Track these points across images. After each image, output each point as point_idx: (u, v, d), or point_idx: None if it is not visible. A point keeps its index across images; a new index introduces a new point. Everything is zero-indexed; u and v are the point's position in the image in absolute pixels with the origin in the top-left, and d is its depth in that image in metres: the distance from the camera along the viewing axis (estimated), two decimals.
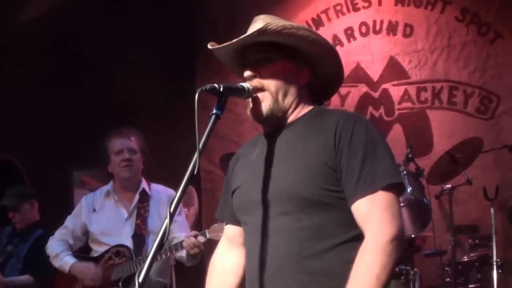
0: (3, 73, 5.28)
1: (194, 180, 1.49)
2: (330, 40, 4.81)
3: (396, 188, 1.55)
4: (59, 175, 5.57)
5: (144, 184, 3.28)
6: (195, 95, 1.52)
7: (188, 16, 5.19)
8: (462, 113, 4.53)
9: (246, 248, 1.72)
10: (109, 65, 4.97)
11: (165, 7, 5.13)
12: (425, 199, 3.54)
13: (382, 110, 4.71)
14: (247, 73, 1.68)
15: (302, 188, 1.57)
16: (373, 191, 1.52)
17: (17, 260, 4.04)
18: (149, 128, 4.69)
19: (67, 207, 4.04)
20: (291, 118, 1.71)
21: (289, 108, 1.70)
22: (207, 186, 5.14)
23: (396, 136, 4.60)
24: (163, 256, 3.01)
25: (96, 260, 3.20)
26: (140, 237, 3.15)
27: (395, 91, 4.69)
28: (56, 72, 5.37)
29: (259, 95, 1.67)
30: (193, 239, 2.87)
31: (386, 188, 1.52)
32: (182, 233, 3.02)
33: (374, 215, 1.50)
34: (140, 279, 1.36)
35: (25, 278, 3.92)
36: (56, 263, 3.25)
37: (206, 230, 2.91)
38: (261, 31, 1.62)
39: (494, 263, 3.60)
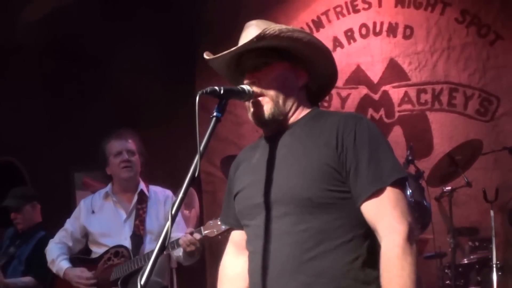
0: (5, 75, 5.28)
1: (195, 182, 1.50)
2: (330, 42, 4.86)
3: (402, 183, 1.58)
4: (61, 177, 5.58)
5: (142, 185, 3.31)
6: (195, 97, 1.53)
7: (188, 18, 5.20)
8: (462, 115, 4.53)
9: (249, 251, 1.73)
10: (110, 67, 4.98)
11: (165, 10, 5.14)
12: (425, 201, 3.54)
13: (382, 112, 4.71)
14: (246, 82, 1.69)
15: (304, 189, 1.58)
16: (380, 189, 1.54)
17: (19, 262, 4.05)
18: (151, 130, 4.70)
19: (69, 209, 4.03)
20: (291, 121, 1.72)
21: (289, 111, 1.71)
22: (208, 188, 5.15)
23: (396, 138, 4.61)
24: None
25: (96, 261, 3.22)
26: (138, 237, 3.17)
27: (395, 93, 4.69)
28: (58, 74, 5.37)
29: (260, 99, 1.68)
30: (189, 236, 2.88)
31: (393, 185, 1.55)
32: (179, 233, 3.04)
33: (385, 215, 1.53)
34: (143, 281, 1.36)
35: (27, 279, 3.93)
36: (53, 269, 3.29)
37: (202, 227, 2.92)
38: (260, 37, 1.63)
39: (494, 265, 3.60)
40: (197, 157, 1.48)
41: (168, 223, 1.38)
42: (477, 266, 3.88)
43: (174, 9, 5.14)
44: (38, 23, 5.07)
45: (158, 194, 3.31)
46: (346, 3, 4.87)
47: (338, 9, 4.90)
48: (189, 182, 1.46)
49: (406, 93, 4.67)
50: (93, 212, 3.30)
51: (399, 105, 4.68)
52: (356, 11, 4.85)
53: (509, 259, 4.02)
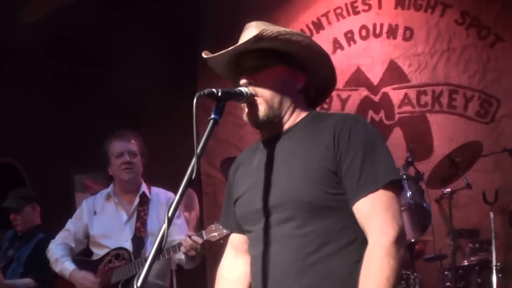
0: (5, 75, 5.29)
1: (195, 183, 1.51)
2: (330, 44, 4.86)
3: (395, 186, 1.57)
4: (61, 179, 5.58)
5: (144, 187, 3.30)
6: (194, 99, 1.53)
7: (190, 18, 5.20)
8: (462, 117, 4.53)
9: (251, 255, 1.73)
10: (110, 68, 4.98)
11: (166, 11, 5.15)
12: (424, 203, 3.54)
13: (382, 114, 4.71)
14: (243, 81, 1.69)
15: (305, 193, 1.58)
16: (374, 190, 1.54)
17: (18, 264, 4.05)
18: (152, 130, 4.70)
19: (69, 211, 4.03)
20: (288, 124, 1.71)
21: (285, 114, 1.70)
22: (208, 190, 5.15)
23: (396, 140, 4.61)
24: (161, 258, 3.03)
25: (97, 263, 3.21)
26: (139, 239, 3.16)
27: (395, 95, 4.69)
28: (58, 74, 5.39)
29: (255, 99, 1.68)
30: (190, 241, 2.88)
31: (386, 187, 1.54)
32: (181, 236, 3.03)
33: (375, 216, 1.52)
34: (139, 283, 1.37)
35: (27, 281, 3.93)
36: (56, 268, 3.27)
37: (203, 231, 2.92)
38: (257, 37, 1.63)
39: (494, 267, 3.59)
40: (194, 160, 1.48)
41: (165, 225, 1.38)
42: (477, 268, 3.87)
43: (174, 9, 5.14)
44: (37, 23, 5.08)
45: (160, 196, 3.31)
46: (346, 4, 4.87)
47: (338, 11, 4.90)
48: (186, 184, 1.46)
49: (406, 95, 4.67)
50: (95, 213, 3.29)
51: (399, 106, 4.68)
52: (356, 12, 4.85)
53: (509, 261, 4.01)
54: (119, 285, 3.09)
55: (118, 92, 4.92)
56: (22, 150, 5.50)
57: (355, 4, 4.84)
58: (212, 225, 2.91)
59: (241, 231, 1.81)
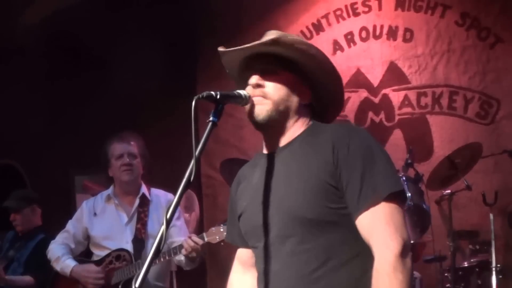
0: (6, 76, 5.30)
1: (195, 185, 1.52)
2: (330, 45, 4.86)
3: (397, 197, 1.55)
4: (61, 180, 5.59)
5: (144, 189, 3.31)
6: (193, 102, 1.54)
7: (190, 19, 5.21)
8: (462, 118, 4.52)
9: (257, 272, 1.72)
10: (111, 69, 4.99)
11: (166, 11, 5.15)
12: (424, 205, 3.54)
13: (382, 115, 4.71)
14: (253, 79, 1.68)
15: (305, 209, 1.57)
16: (374, 203, 1.52)
17: (19, 264, 4.06)
18: (152, 131, 4.71)
19: (69, 212, 4.04)
20: (289, 136, 1.70)
21: (287, 122, 1.69)
22: (208, 192, 5.15)
23: (396, 142, 4.61)
24: (162, 260, 3.04)
25: (97, 263, 3.22)
26: (140, 241, 3.18)
27: (395, 96, 4.69)
28: (59, 75, 5.39)
29: (260, 99, 1.67)
30: (191, 242, 2.89)
31: (387, 199, 1.52)
32: (181, 237, 3.05)
33: (378, 230, 1.51)
34: (137, 284, 1.37)
35: (27, 278, 3.95)
36: (57, 267, 3.28)
37: (204, 234, 2.94)
38: (275, 40, 1.63)
39: (494, 268, 3.59)
40: (192, 162, 1.49)
41: (163, 227, 1.39)
42: (477, 270, 3.87)
43: (175, 10, 5.15)
44: (37, 23, 5.09)
45: (160, 197, 3.32)
46: (346, 6, 4.87)
47: (338, 12, 4.90)
48: (184, 186, 1.46)
49: (406, 96, 4.67)
50: (95, 214, 3.30)
51: (399, 108, 4.68)
52: (356, 14, 4.85)
53: (509, 262, 4.01)
54: (120, 286, 3.10)
55: (118, 93, 4.93)
56: (22, 152, 5.52)
57: (355, 6, 4.84)
58: (213, 228, 2.92)
59: (247, 246, 1.81)
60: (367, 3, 4.81)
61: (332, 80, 1.74)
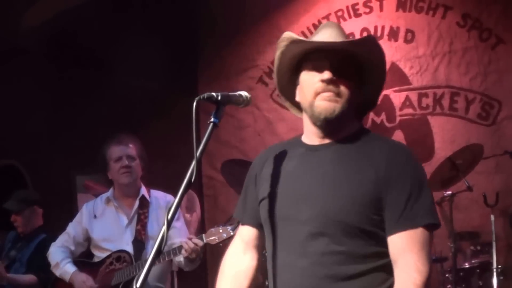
0: (7, 77, 5.31)
1: (196, 186, 1.52)
2: None
3: (432, 229, 1.63)
4: (63, 180, 5.60)
5: (143, 191, 3.32)
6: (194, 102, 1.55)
7: (191, 20, 5.21)
8: (463, 119, 4.52)
9: (278, 262, 1.70)
10: (111, 69, 5.00)
11: (167, 11, 5.16)
12: None
13: (383, 116, 4.71)
14: (327, 75, 1.65)
15: (350, 216, 1.60)
16: (413, 227, 1.59)
17: (21, 264, 4.07)
18: (152, 132, 4.72)
19: (71, 212, 4.06)
20: (340, 135, 1.70)
21: (345, 122, 1.70)
22: (209, 192, 5.15)
23: None
24: (161, 261, 3.05)
25: (98, 265, 3.23)
26: (140, 242, 3.19)
27: (397, 97, 4.69)
28: (60, 76, 5.40)
29: (332, 95, 1.66)
30: (191, 243, 2.91)
31: (425, 227, 1.60)
32: (181, 238, 3.05)
33: (411, 253, 1.57)
34: (138, 284, 1.38)
35: (29, 277, 3.95)
36: (57, 272, 3.30)
37: (203, 235, 2.96)
38: (358, 42, 1.68)
39: (495, 269, 3.60)
40: (193, 163, 1.49)
41: (164, 227, 1.39)
42: (478, 271, 3.88)
43: (175, 11, 5.15)
44: (37, 25, 5.09)
45: (160, 199, 3.33)
46: (347, 7, 4.87)
47: (339, 13, 4.90)
48: (185, 188, 1.47)
49: (407, 97, 4.67)
50: (95, 216, 3.31)
51: (401, 109, 4.68)
52: (357, 15, 4.85)
53: (510, 263, 4.01)
54: (120, 287, 3.11)
55: (119, 93, 4.93)
56: (23, 152, 5.52)
57: (356, 7, 4.84)
58: (212, 229, 2.94)
59: (255, 226, 1.80)
60: (368, 4, 4.81)
61: (381, 82, 1.78)
